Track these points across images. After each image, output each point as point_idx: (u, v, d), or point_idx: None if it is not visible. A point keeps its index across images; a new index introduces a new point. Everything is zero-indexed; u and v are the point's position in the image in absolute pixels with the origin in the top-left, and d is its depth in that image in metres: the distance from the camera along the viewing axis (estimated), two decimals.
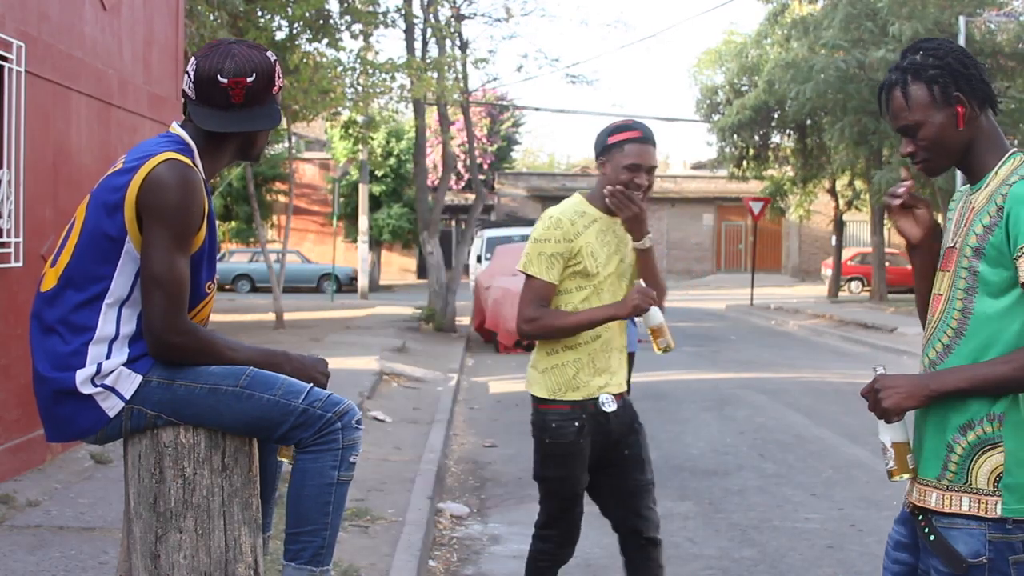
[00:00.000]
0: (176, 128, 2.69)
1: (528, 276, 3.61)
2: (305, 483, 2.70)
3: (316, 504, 2.70)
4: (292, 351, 2.81)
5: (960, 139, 2.39)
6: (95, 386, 2.55)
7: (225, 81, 2.60)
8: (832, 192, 30.39)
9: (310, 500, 2.70)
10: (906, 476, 2.41)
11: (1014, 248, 2.24)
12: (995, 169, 2.38)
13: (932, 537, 2.35)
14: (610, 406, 3.67)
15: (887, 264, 29.05)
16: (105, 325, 2.56)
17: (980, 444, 2.30)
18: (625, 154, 3.55)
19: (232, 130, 2.65)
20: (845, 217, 31.86)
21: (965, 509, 2.30)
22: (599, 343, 3.64)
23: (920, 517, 2.41)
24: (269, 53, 2.70)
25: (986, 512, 2.28)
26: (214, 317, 14.81)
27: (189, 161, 2.57)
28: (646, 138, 3.60)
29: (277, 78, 2.69)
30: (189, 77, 2.64)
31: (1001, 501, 2.28)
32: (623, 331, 3.74)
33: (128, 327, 2.58)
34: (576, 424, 3.66)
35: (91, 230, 2.57)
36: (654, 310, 3.53)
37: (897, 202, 2.52)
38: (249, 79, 2.61)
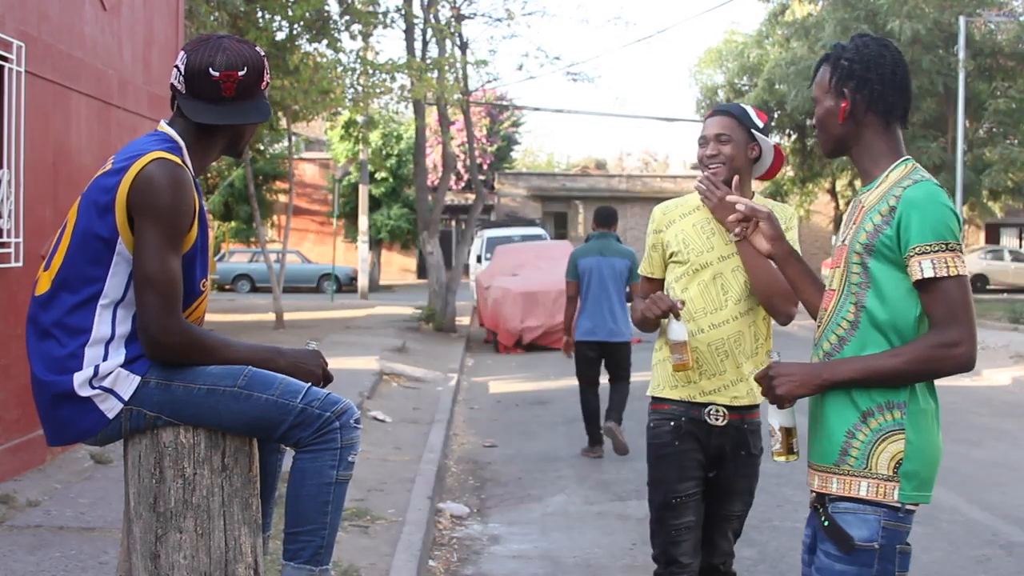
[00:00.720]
0: (164, 126, 2.68)
1: None
2: (304, 483, 2.70)
3: (315, 503, 2.70)
4: (286, 347, 2.80)
5: (839, 131, 2.54)
6: (93, 388, 2.55)
7: (217, 74, 2.61)
8: (832, 192, 30.39)
9: (309, 500, 2.70)
10: (789, 459, 2.57)
11: (905, 249, 2.36)
12: (886, 172, 2.50)
13: (827, 523, 2.43)
14: (716, 420, 3.38)
15: None
16: (101, 326, 2.55)
17: (882, 431, 2.39)
18: (701, 134, 3.51)
19: (224, 123, 2.65)
20: (845, 216, 31.86)
21: (863, 494, 2.39)
22: (702, 342, 3.36)
23: (819, 508, 2.48)
24: (258, 48, 2.71)
25: (884, 497, 2.37)
26: (215, 317, 14.69)
27: (178, 159, 2.56)
28: (715, 111, 3.51)
29: (266, 73, 2.70)
30: (179, 71, 2.64)
31: (899, 487, 2.37)
32: (758, 340, 3.42)
33: (124, 327, 2.57)
34: (671, 424, 3.42)
35: (83, 232, 2.57)
36: (674, 323, 3.27)
37: (738, 229, 2.84)
38: (240, 73, 2.62)
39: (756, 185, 3.78)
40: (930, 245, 2.33)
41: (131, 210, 2.52)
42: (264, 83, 2.70)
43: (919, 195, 2.37)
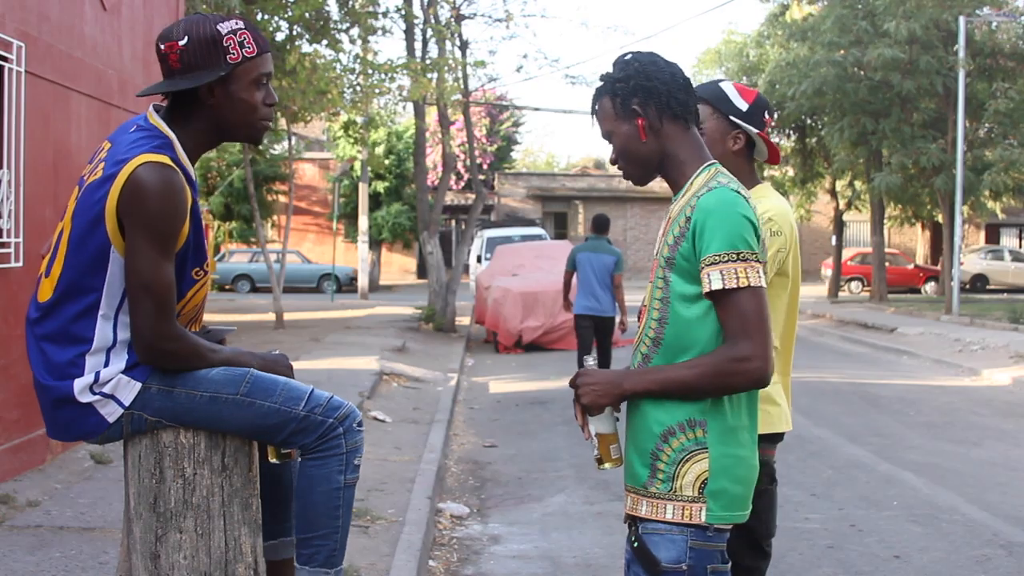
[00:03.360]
0: (152, 115, 2.61)
1: None
2: (313, 489, 2.70)
3: (326, 509, 2.71)
4: (257, 351, 2.78)
5: (647, 150, 2.41)
6: (93, 394, 2.53)
7: (163, 47, 2.57)
8: (832, 192, 30.39)
9: (319, 506, 2.71)
10: (609, 465, 2.43)
11: (699, 259, 2.26)
12: (691, 179, 2.39)
13: (636, 544, 2.36)
14: None
15: (887, 264, 29.06)
16: (102, 335, 2.53)
17: (684, 451, 2.30)
18: None
19: (154, 92, 2.59)
20: (845, 217, 31.84)
21: (669, 517, 2.30)
22: None
23: (631, 526, 2.40)
24: (227, 23, 2.57)
25: (690, 519, 2.29)
26: (216, 318, 14.65)
27: (167, 159, 2.50)
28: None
29: (229, 45, 2.55)
30: None
31: (706, 508, 2.29)
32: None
33: (125, 333, 2.55)
34: None
35: (77, 242, 2.54)
36: None
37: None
38: (181, 42, 2.54)
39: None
40: (719, 255, 2.24)
41: (121, 217, 2.48)
42: (233, 56, 2.55)
43: (711, 203, 2.27)
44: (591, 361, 2.46)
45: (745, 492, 2.33)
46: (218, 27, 2.55)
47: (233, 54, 2.56)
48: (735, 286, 2.22)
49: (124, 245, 2.50)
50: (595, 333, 10.28)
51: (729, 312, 2.25)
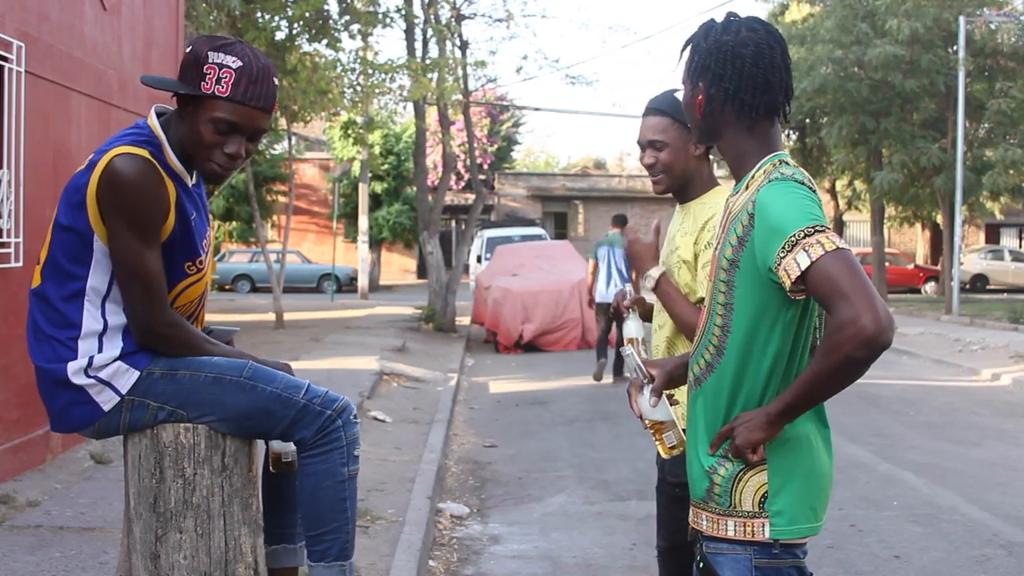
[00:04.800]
0: (151, 119, 2.64)
1: None
2: (319, 484, 2.73)
3: (334, 503, 2.74)
4: (258, 355, 2.82)
5: (699, 123, 2.28)
6: (88, 377, 2.56)
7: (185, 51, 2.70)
8: (832, 192, 30.39)
9: (327, 501, 2.74)
10: (677, 452, 2.38)
11: (773, 258, 2.06)
12: (752, 173, 2.21)
13: (701, 564, 2.23)
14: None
15: (887, 264, 29.08)
16: (89, 321, 2.57)
17: (742, 465, 2.16)
18: (638, 136, 3.18)
19: (153, 83, 2.69)
20: (845, 217, 31.86)
21: (731, 534, 2.16)
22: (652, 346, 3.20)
23: (696, 541, 2.28)
24: (224, 55, 2.54)
25: (753, 535, 2.14)
26: (216, 318, 14.64)
27: (146, 152, 2.54)
28: (648, 109, 3.11)
29: (209, 73, 2.53)
30: None
31: (769, 523, 2.14)
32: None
33: (116, 319, 2.59)
34: None
35: (61, 229, 2.60)
36: (628, 319, 2.90)
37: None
38: (186, 51, 2.64)
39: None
40: (787, 242, 2.03)
41: (100, 207, 2.54)
42: (202, 79, 2.53)
43: (768, 196, 2.09)
44: (628, 351, 2.40)
45: (812, 503, 2.17)
46: (208, 51, 2.55)
47: (206, 84, 2.54)
48: (816, 257, 2.00)
49: (106, 233, 2.55)
50: (613, 321, 11.80)
51: (818, 285, 2.00)
